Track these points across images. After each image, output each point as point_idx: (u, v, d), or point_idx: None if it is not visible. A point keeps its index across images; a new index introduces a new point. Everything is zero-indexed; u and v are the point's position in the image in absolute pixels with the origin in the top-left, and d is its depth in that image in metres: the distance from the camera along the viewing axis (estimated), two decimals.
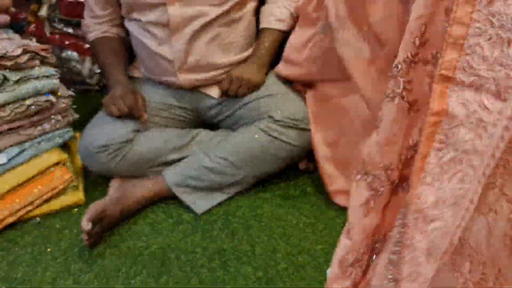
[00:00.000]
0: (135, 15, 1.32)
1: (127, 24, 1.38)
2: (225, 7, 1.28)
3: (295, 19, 1.38)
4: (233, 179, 1.27)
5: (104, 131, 1.27)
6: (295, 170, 1.37)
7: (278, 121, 1.25)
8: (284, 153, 1.27)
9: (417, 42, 0.61)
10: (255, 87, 1.34)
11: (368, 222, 0.74)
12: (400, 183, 0.74)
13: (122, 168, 1.28)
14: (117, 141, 1.25)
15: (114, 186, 1.29)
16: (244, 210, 1.26)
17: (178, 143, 1.32)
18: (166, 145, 1.30)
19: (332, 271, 0.80)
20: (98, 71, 1.77)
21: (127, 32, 1.43)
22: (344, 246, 0.77)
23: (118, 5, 1.37)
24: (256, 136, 1.26)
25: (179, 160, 1.31)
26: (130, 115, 1.28)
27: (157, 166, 1.30)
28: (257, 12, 1.41)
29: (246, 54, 1.38)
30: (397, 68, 0.63)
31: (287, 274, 1.07)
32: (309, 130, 1.28)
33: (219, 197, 1.29)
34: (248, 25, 1.36)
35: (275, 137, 1.25)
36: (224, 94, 1.35)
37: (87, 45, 1.72)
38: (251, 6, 1.36)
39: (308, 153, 1.33)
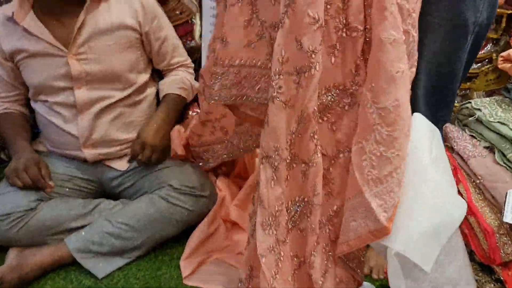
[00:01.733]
0: (42, 97, 1.42)
1: (33, 104, 1.47)
2: (128, 91, 1.44)
3: (194, 91, 1.59)
4: (134, 244, 1.36)
5: (7, 199, 1.31)
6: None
7: (176, 188, 1.40)
8: (182, 217, 1.41)
9: (281, 60, 0.87)
10: (164, 150, 1.46)
11: (276, 192, 0.97)
12: (292, 160, 0.98)
13: (23, 236, 1.31)
14: (20, 210, 1.30)
15: (12, 254, 1.31)
16: (144, 272, 1.34)
17: (81, 211, 1.39)
18: (69, 213, 1.37)
19: (257, 237, 0.98)
20: None
21: (30, 109, 1.51)
22: (261, 213, 0.97)
23: (25, 87, 1.46)
24: (156, 202, 1.39)
25: (81, 227, 1.37)
26: (33, 186, 1.34)
27: (59, 233, 1.35)
28: (157, 95, 1.60)
29: None
30: (272, 79, 0.89)
31: None
32: (204, 196, 1.45)
33: (120, 261, 1.36)
34: (148, 106, 1.53)
35: (173, 203, 1.39)
36: (138, 162, 1.45)
37: None
38: (151, 90, 1.55)
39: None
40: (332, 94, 0.95)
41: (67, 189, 1.44)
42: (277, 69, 0.89)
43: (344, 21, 0.88)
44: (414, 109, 1.22)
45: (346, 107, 0.96)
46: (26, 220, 1.31)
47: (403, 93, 0.88)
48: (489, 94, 1.68)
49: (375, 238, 0.89)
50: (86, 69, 1.36)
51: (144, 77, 1.49)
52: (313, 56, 0.87)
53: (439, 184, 0.80)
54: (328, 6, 0.86)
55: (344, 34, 0.89)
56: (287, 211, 1.02)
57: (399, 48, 0.85)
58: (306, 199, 1.02)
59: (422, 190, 0.81)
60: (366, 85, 0.89)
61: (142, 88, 1.49)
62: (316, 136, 0.95)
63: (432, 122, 1.27)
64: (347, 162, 0.99)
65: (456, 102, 1.71)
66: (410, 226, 0.81)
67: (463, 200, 0.83)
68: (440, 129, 1.33)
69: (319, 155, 0.97)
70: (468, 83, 1.68)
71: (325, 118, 0.98)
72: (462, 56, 1.18)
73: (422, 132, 0.88)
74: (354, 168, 0.92)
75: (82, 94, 1.39)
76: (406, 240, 0.80)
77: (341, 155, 1.00)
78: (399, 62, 0.85)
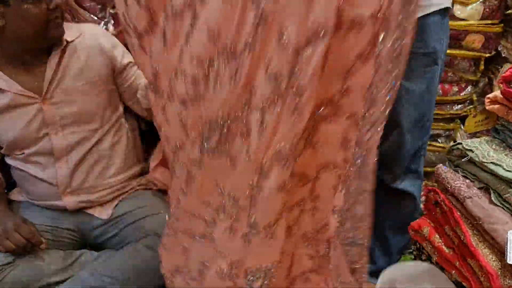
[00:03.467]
0: (17, 151, 1.36)
1: (7, 159, 1.40)
2: (104, 130, 1.39)
3: None
4: None
5: None
6: None
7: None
8: None
9: None
10: None
11: None
12: None
13: None
14: None
15: None
16: None
17: (61, 264, 1.31)
18: (48, 267, 1.29)
19: None
20: None
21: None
22: None
23: None
24: (141, 252, 1.32)
25: (61, 282, 1.29)
26: (26, 246, 1.26)
27: None
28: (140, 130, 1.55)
29: (131, 172, 1.49)
30: None
31: None
32: None
33: None
34: (127, 146, 1.47)
35: None
36: None
37: None
38: (126, 128, 1.49)
39: None
40: None
41: (46, 241, 1.36)
42: None
43: None
44: (401, 140, 1.27)
45: None
46: (2, 276, 1.22)
47: None
48: (472, 135, 1.71)
49: None
50: (60, 113, 1.32)
51: (119, 112, 1.46)
52: None
53: None
54: None
55: None
56: None
57: None
58: None
59: None
60: None
61: (118, 126, 1.45)
62: None
63: (416, 150, 1.32)
64: None
65: (440, 142, 1.73)
66: None
67: None
68: (423, 155, 1.39)
69: None
70: (451, 124, 1.71)
71: None
72: (437, 82, 1.25)
73: None
74: None
75: (59, 140, 1.34)
76: None
77: None
78: None
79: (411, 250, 1.43)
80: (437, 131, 1.72)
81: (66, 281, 1.29)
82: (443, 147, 1.70)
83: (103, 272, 1.28)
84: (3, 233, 1.25)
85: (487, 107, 1.13)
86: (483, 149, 1.08)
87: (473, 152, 1.08)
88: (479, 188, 1.06)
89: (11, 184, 1.50)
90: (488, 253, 0.95)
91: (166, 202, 1.51)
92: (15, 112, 1.31)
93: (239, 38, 0.71)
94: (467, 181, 1.09)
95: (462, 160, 1.11)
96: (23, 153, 1.35)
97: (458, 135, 1.70)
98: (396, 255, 1.53)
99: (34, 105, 1.31)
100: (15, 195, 1.46)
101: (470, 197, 1.03)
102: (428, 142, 1.57)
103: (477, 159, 1.06)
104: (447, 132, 1.72)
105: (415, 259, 1.28)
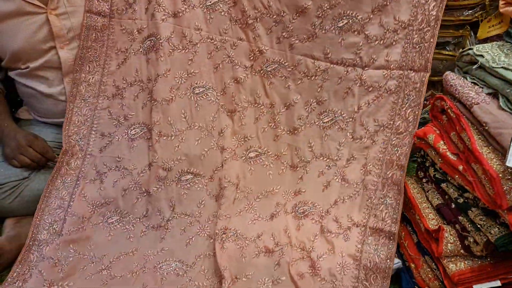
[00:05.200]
0: (21, 64, 1.33)
1: (11, 73, 1.38)
2: None
3: None
4: None
5: None
6: None
7: None
8: None
9: None
10: None
11: None
12: None
13: (17, 206, 1.27)
14: (13, 179, 1.26)
15: (9, 225, 1.28)
16: None
17: None
18: None
19: None
20: None
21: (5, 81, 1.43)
22: None
23: None
24: None
25: None
26: (41, 160, 1.30)
27: None
28: None
29: None
30: None
31: None
32: None
33: None
34: None
35: None
36: None
37: None
38: None
39: None
40: None
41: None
42: None
43: None
44: None
45: None
46: (20, 190, 1.27)
47: None
48: (483, 41, 1.66)
49: None
50: (67, 24, 1.29)
51: None
52: None
53: None
54: None
55: None
56: None
57: None
58: None
59: None
60: None
61: None
62: None
63: None
64: None
65: (449, 50, 1.69)
66: None
67: None
68: None
69: None
70: (460, 31, 1.65)
71: None
72: None
73: None
74: None
75: (66, 54, 1.32)
76: None
77: None
78: None
79: (415, 158, 1.47)
80: (446, 39, 1.67)
81: None
82: (452, 55, 1.66)
83: None
84: (17, 148, 1.28)
85: (501, 10, 1.09)
86: (494, 54, 1.05)
87: (483, 57, 1.06)
88: (488, 94, 1.05)
89: (18, 103, 1.51)
90: (492, 157, 0.96)
91: None
92: (21, 20, 1.27)
93: None
94: (476, 87, 1.08)
95: (473, 67, 1.08)
96: (28, 67, 1.33)
97: (468, 42, 1.64)
98: None
99: (41, 15, 1.27)
100: (23, 113, 1.47)
101: (478, 103, 1.02)
102: (436, 50, 1.52)
103: (487, 64, 1.04)
104: (455, 40, 1.67)
105: (418, 165, 1.31)
